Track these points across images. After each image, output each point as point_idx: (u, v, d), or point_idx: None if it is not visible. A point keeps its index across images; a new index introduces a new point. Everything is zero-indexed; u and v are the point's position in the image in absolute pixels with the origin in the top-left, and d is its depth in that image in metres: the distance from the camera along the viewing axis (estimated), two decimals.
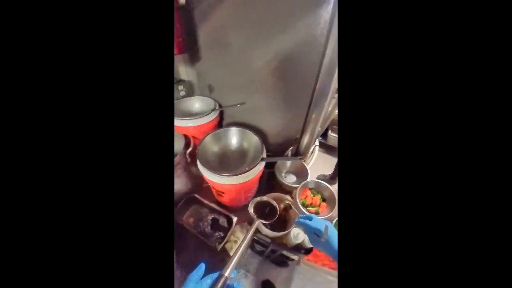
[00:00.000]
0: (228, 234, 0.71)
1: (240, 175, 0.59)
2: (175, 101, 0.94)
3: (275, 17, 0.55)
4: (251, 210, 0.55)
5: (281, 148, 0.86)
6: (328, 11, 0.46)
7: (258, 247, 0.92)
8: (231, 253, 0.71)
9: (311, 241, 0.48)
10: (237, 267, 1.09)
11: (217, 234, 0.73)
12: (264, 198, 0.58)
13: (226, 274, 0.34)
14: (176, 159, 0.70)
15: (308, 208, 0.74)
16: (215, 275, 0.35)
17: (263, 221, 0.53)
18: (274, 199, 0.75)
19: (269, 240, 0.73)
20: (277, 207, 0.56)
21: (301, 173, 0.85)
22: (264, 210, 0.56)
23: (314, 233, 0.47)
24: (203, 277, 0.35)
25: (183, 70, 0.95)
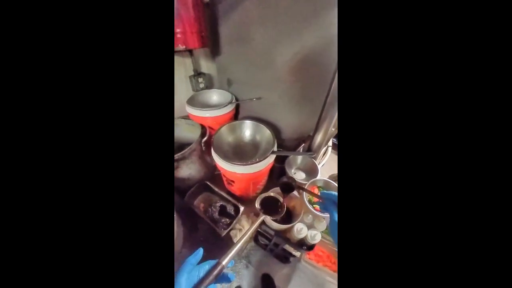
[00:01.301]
0: (234, 221, 0.74)
1: (250, 165, 0.62)
2: (195, 93, 0.99)
3: (298, 14, 0.55)
4: (257, 204, 0.56)
5: (294, 144, 0.87)
6: None
7: (262, 240, 0.94)
8: (235, 240, 0.74)
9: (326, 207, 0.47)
10: (238, 258, 1.12)
11: (224, 220, 0.77)
12: (271, 194, 0.58)
13: (224, 262, 0.34)
14: (192, 147, 0.75)
15: (314, 206, 0.74)
16: (212, 262, 0.35)
17: (269, 217, 0.54)
18: (279, 193, 0.77)
19: (272, 233, 0.74)
20: (284, 204, 0.56)
21: (311, 171, 0.86)
22: (270, 206, 0.56)
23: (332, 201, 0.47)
24: (200, 262, 0.35)
25: (203, 64, 0.99)
